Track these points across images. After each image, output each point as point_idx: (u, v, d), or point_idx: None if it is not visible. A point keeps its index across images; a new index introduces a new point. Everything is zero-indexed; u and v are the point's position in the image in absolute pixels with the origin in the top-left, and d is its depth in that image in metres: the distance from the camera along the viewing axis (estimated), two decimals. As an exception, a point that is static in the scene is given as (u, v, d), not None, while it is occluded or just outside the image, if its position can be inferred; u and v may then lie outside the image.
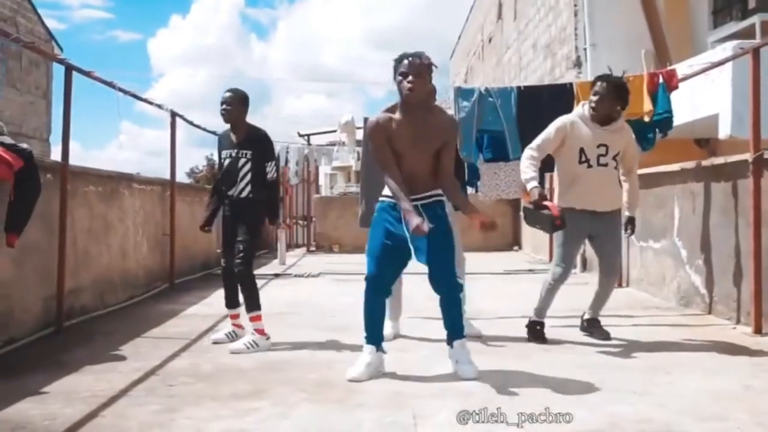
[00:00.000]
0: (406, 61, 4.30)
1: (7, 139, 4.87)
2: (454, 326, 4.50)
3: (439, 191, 4.51)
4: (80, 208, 6.67)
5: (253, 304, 5.39)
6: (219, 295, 8.31)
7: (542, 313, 5.46)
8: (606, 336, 5.40)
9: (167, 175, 9.52)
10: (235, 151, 5.49)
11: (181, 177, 18.83)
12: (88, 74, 6.61)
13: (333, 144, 16.06)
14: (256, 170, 5.45)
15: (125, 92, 7.55)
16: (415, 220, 4.19)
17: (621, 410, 3.62)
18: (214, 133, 12.44)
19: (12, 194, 4.84)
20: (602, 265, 5.48)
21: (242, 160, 5.45)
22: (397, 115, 4.41)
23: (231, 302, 5.63)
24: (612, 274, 5.51)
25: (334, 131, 13.04)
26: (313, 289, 8.49)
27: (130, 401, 3.93)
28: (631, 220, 5.50)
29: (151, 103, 8.91)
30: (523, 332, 5.51)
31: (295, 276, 10.59)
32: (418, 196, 4.41)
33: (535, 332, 5.43)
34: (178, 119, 9.63)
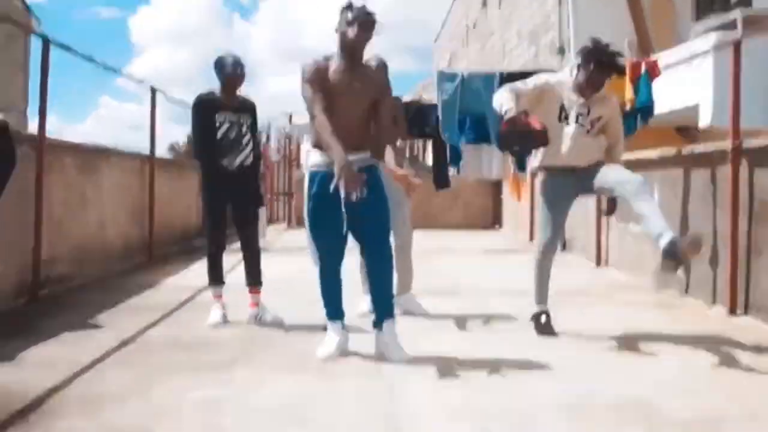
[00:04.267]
0: (357, 12, 4.19)
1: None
2: (385, 303, 4.34)
3: (368, 154, 4.37)
4: (57, 180, 6.60)
5: (260, 278, 5.33)
6: (198, 267, 8.29)
7: (543, 298, 5.06)
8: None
9: (147, 150, 9.43)
10: (236, 116, 5.24)
11: (163, 152, 18.80)
12: (67, 48, 6.53)
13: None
14: (254, 140, 5.33)
15: (106, 67, 7.48)
16: (347, 178, 4.02)
17: (596, 387, 3.65)
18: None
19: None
20: (623, 190, 4.65)
21: (244, 127, 5.25)
22: (334, 63, 4.26)
23: (220, 279, 5.35)
24: (639, 191, 4.56)
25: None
26: (292, 265, 8.45)
27: (107, 369, 3.91)
28: (611, 201, 5.19)
29: (131, 78, 8.86)
30: (500, 307, 5.53)
31: (275, 251, 10.54)
32: (352, 158, 4.18)
33: (541, 325, 4.97)
34: (158, 94, 9.56)
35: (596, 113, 4.92)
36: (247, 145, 5.26)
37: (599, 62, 4.82)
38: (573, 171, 4.96)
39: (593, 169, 4.90)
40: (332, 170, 4.09)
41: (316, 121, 4.19)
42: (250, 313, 5.22)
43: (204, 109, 5.22)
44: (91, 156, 7.51)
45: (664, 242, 4.30)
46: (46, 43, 6.24)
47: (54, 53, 6.32)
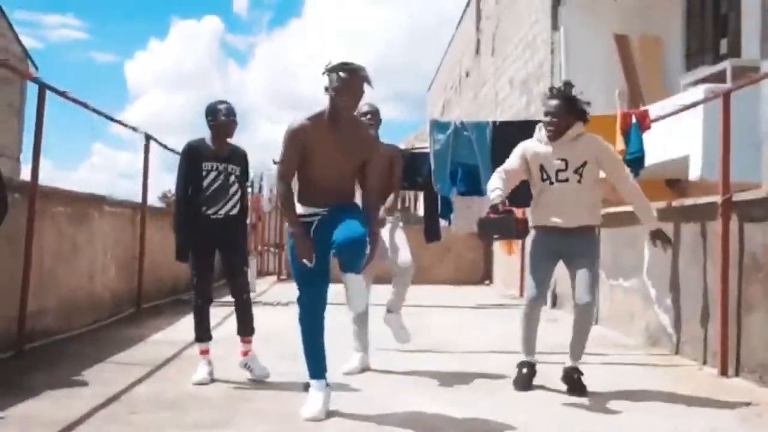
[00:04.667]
0: (344, 75, 4.18)
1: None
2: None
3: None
4: (48, 228, 6.58)
5: (252, 327, 5.29)
6: (187, 321, 8.20)
7: (530, 350, 5.09)
8: (580, 391, 4.85)
9: (139, 198, 9.41)
10: (223, 165, 5.19)
11: (154, 200, 18.74)
12: (62, 94, 6.57)
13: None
14: (242, 189, 5.30)
15: (99, 113, 7.51)
16: (299, 245, 4.21)
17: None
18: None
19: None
20: (574, 298, 4.99)
21: (232, 177, 5.20)
22: (321, 123, 4.26)
23: (207, 334, 5.26)
24: (579, 299, 4.89)
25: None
26: (282, 318, 8.39)
27: (91, 428, 3.85)
28: (655, 233, 4.94)
29: (125, 125, 8.86)
30: (489, 367, 5.49)
31: (264, 304, 10.48)
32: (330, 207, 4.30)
33: (518, 375, 5.04)
34: (152, 143, 9.57)
35: (578, 160, 4.89)
36: (234, 194, 5.22)
37: (544, 103, 4.99)
38: (559, 232, 4.97)
39: (578, 238, 4.97)
40: (311, 221, 4.29)
41: (277, 186, 4.35)
42: (240, 361, 5.19)
43: (192, 157, 5.19)
44: (84, 204, 7.49)
45: (567, 366, 4.98)
46: (41, 88, 6.26)
47: (50, 99, 6.34)
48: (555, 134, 4.90)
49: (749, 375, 5.28)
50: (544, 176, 4.95)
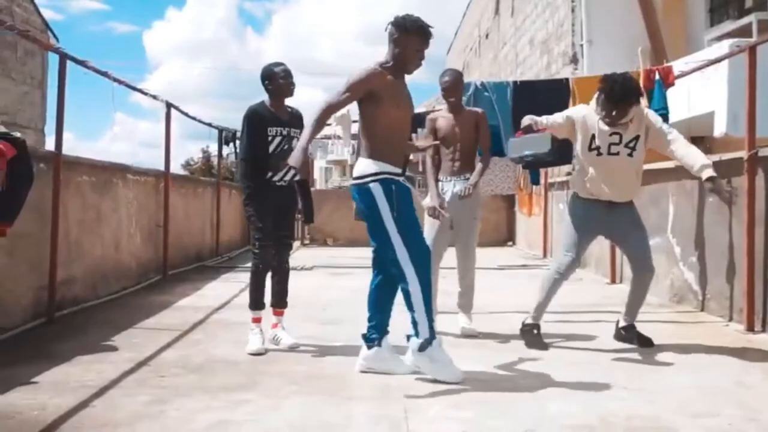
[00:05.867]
0: (426, 38, 4.28)
1: (0, 128, 4.84)
2: (386, 321, 4.47)
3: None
4: (73, 198, 6.64)
5: (286, 300, 5.28)
6: (212, 287, 8.37)
7: (540, 313, 5.13)
8: (648, 343, 5.01)
9: (162, 167, 9.47)
10: (287, 129, 5.06)
11: (177, 169, 18.82)
12: (82, 63, 6.59)
13: (328, 137, 15.99)
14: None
15: (120, 82, 7.53)
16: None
17: (611, 406, 3.61)
18: (209, 124, 12.47)
19: (4, 183, 4.80)
20: (631, 263, 5.04)
21: (294, 140, 4.98)
22: (392, 73, 4.27)
23: (262, 302, 5.14)
24: (643, 271, 4.97)
25: (329, 125, 12.94)
26: (306, 282, 8.45)
27: (121, 392, 3.91)
28: (710, 180, 4.65)
29: (146, 93, 8.89)
30: (517, 327, 5.49)
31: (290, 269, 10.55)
32: (401, 171, 4.33)
33: (533, 338, 5.09)
34: (173, 111, 9.60)
35: (630, 134, 4.83)
36: None
37: (610, 95, 4.75)
38: (607, 204, 4.94)
39: (625, 209, 4.94)
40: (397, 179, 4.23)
41: (319, 113, 4.18)
42: (269, 333, 5.14)
43: (257, 121, 5.04)
44: (107, 173, 7.55)
45: (624, 324, 5.16)
46: (62, 58, 6.29)
47: (70, 69, 6.37)
48: (617, 120, 4.82)
49: (775, 331, 5.26)
50: (593, 146, 4.87)
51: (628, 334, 5.13)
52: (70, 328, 5.70)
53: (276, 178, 5.06)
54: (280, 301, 5.24)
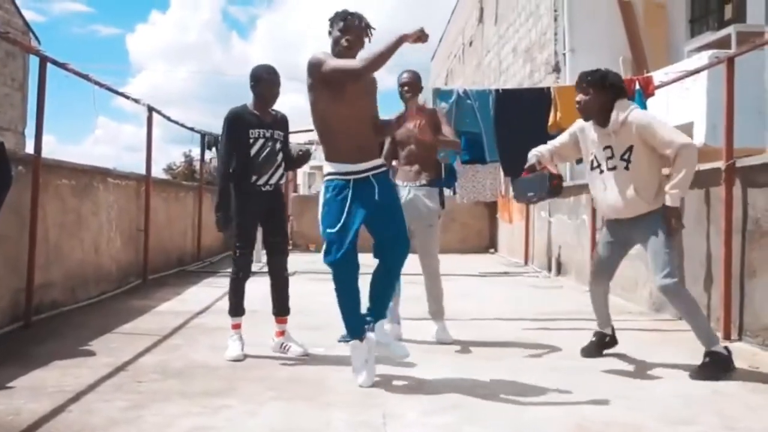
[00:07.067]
0: (349, 20, 4.29)
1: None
2: (385, 308, 4.49)
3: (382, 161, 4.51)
4: (53, 201, 6.60)
5: (288, 306, 5.19)
6: (193, 292, 8.33)
7: (601, 321, 5.04)
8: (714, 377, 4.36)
9: (143, 171, 9.42)
10: (269, 132, 5.00)
11: (159, 173, 18.74)
12: (63, 66, 6.56)
13: (311, 143, 15.97)
14: (288, 156, 5.12)
15: (101, 85, 7.50)
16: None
17: (589, 413, 3.63)
18: (192, 129, 12.43)
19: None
20: (653, 268, 4.57)
21: (278, 143, 4.99)
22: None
23: (242, 308, 5.09)
24: (663, 293, 4.55)
25: (312, 130, 12.94)
26: (292, 288, 8.43)
27: (98, 397, 3.88)
28: (666, 211, 4.45)
29: (127, 97, 8.85)
30: (496, 335, 5.52)
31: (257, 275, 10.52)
32: (369, 166, 4.30)
33: (587, 344, 5.06)
34: (155, 115, 9.57)
35: (622, 145, 4.53)
36: (281, 162, 5.06)
37: (580, 86, 4.69)
38: (623, 222, 4.70)
39: (643, 223, 4.56)
40: (344, 180, 4.24)
41: (363, 61, 4.13)
42: (275, 342, 5.07)
43: (238, 124, 4.98)
44: (88, 177, 7.51)
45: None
46: (43, 61, 6.25)
47: (51, 72, 6.35)
48: (594, 119, 4.66)
49: (752, 339, 5.30)
50: (594, 165, 4.71)
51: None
52: (47, 332, 5.66)
53: (261, 182, 4.99)
54: (281, 309, 5.14)
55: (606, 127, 4.59)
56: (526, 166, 4.92)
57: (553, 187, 4.76)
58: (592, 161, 4.74)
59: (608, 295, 5.06)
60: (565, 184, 10.87)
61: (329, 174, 4.31)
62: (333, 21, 4.37)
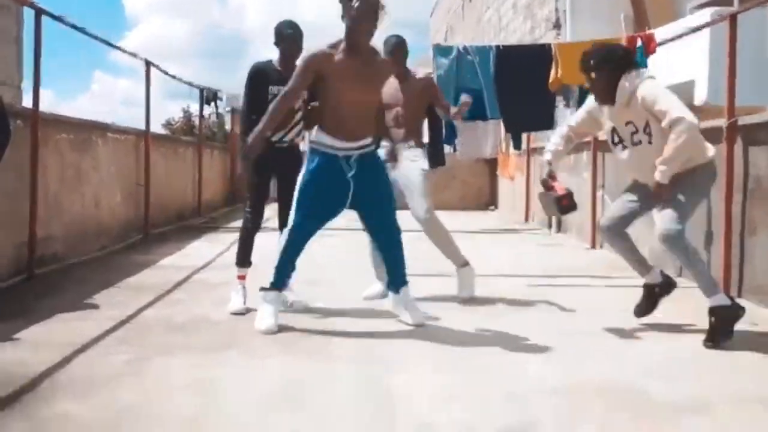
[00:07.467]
0: (358, 3, 4.24)
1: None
2: (398, 273, 4.62)
3: (371, 140, 4.54)
4: (52, 156, 6.59)
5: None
6: (195, 246, 8.36)
7: (641, 272, 4.75)
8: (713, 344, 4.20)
9: (142, 126, 9.38)
10: None
11: (157, 128, 18.58)
12: (58, 18, 6.49)
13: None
14: (305, 114, 5.00)
15: (97, 39, 7.43)
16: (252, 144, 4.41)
17: (585, 371, 3.67)
18: (190, 84, 12.37)
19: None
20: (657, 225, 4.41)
21: (299, 101, 4.89)
22: (340, 53, 4.34)
23: (249, 260, 5.17)
24: (661, 242, 4.35)
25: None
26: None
27: (102, 349, 3.93)
28: (654, 187, 4.33)
29: (124, 51, 8.79)
30: (497, 291, 5.55)
31: (272, 229, 10.55)
32: (355, 144, 4.40)
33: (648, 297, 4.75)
34: (153, 70, 9.50)
35: (641, 119, 4.35)
36: (298, 122, 5.04)
37: (583, 69, 4.52)
38: (646, 186, 4.50)
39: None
40: (332, 152, 4.36)
41: (278, 98, 4.41)
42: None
43: (258, 80, 5.00)
44: (87, 131, 7.49)
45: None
46: (38, 13, 6.19)
47: (47, 26, 6.29)
48: (602, 99, 4.49)
49: (751, 296, 5.34)
50: (616, 140, 4.55)
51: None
52: (50, 286, 5.70)
53: (275, 138, 4.98)
54: None
55: (617, 108, 4.42)
56: (540, 179, 4.79)
57: (563, 206, 4.69)
58: (612, 136, 4.59)
59: (632, 242, 4.73)
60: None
61: (315, 143, 4.43)
62: (344, 4, 4.31)
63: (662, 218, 4.31)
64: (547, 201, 4.78)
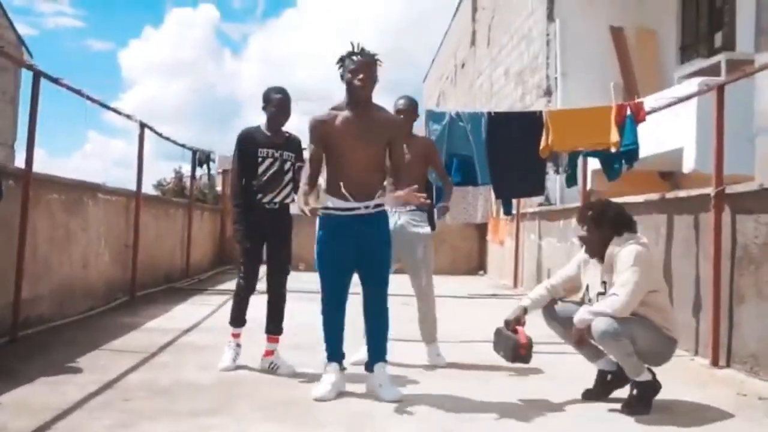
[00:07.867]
0: (355, 58, 4.39)
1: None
2: (379, 346, 4.57)
3: (382, 202, 4.55)
4: (42, 216, 6.57)
5: (282, 326, 5.24)
6: (182, 309, 8.29)
7: (589, 357, 4.64)
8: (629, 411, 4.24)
9: (133, 186, 9.39)
10: (279, 152, 5.13)
11: (149, 189, 18.66)
12: (56, 81, 6.55)
13: (301, 166, 15.98)
14: (296, 177, 5.19)
15: (93, 100, 7.49)
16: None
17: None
18: (183, 145, 12.41)
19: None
20: None
21: (288, 164, 5.14)
22: (343, 113, 4.46)
23: (243, 320, 5.23)
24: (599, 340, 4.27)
25: (305, 149, 12.96)
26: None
27: (84, 414, 3.86)
28: (575, 328, 4.30)
29: (119, 113, 8.84)
30: (485, 357, 5.50)
31: (260, 293, 10.48)
32: (363, 204, 4.44)
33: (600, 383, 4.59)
34: (147, 131, 9.56)
35: (611, 281, 4.33)
36: (289, 182, 5.17)
37: (581, 220, 4.49)
38: None
39: None
40: (341, 215, 4.43)
41: (306, 166, 4.61)
42: (263, 361, 5.10)
43: (246, 144, 5.14)
44: (78, 192, 7.49)
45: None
46: (36, 75, 6.26)
47: (44, 86, 6.34)
48: (593, 252, 4.45)
49: (740, 366, 5.32)
50: (587, 298, 4.50)
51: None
52: (34, 348, 5.61)
53: (266, 200, 5.10)
54: (276, 328, 5.20)
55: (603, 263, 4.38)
56: (504, 319, 4.56)
57: (519, 356, 4.44)
58: (584, 294, 4.54)
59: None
60: (554, 207, 10.92)
61: (326, 208, 4.49)
62: (341, 64, 4.46)
63: (598, 320, 4.16)
64: (503, 341, 4.51)
